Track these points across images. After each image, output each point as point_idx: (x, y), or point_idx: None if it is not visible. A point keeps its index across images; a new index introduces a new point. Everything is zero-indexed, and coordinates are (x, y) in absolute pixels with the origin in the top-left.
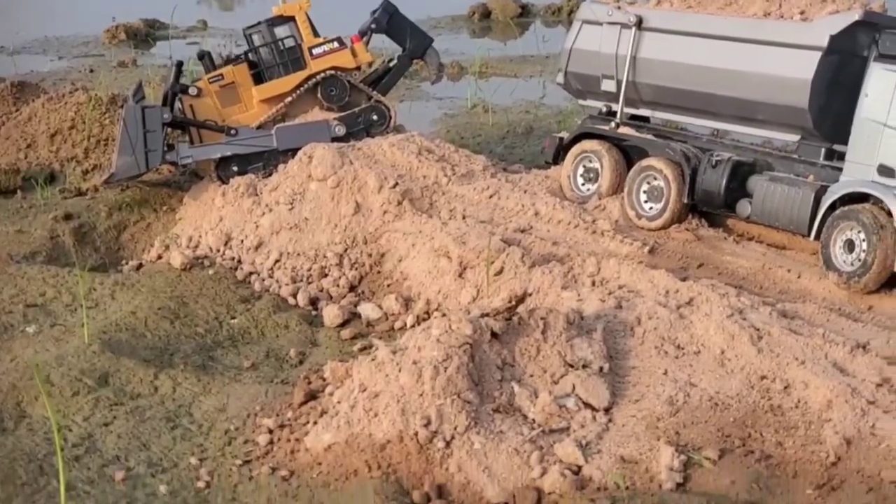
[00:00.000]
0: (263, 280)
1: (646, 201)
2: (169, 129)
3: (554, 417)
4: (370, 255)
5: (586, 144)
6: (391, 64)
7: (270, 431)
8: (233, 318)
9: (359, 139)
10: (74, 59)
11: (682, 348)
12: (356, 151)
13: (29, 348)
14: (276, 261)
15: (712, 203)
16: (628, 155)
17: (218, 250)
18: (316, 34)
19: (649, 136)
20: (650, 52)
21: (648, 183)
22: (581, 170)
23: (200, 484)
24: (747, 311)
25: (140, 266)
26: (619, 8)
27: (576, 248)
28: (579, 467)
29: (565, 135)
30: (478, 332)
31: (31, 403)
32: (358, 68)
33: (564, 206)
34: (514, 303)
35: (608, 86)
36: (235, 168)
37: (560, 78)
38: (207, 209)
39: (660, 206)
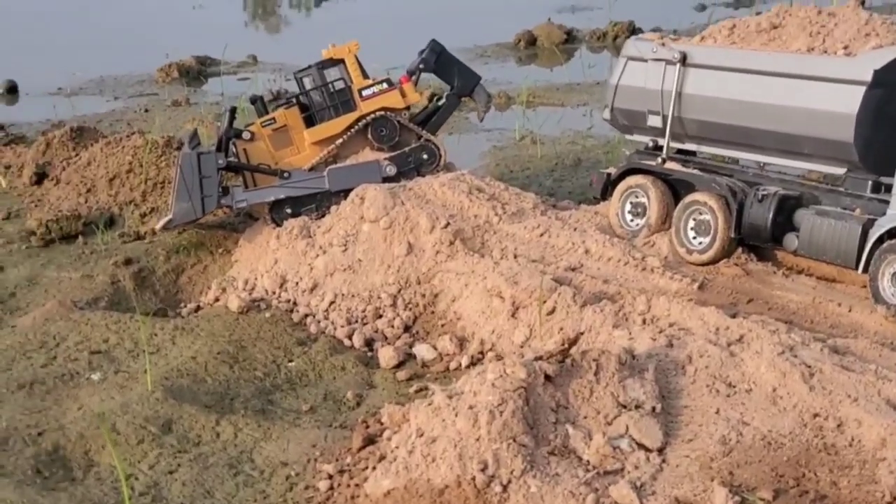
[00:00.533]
0: (319, 322)
1: (694, 237)
2: (224, 173)
3: (608, 459)
4: (424, 296)
5: (633, 179)
6: (440, 103)
7: (330, 477)
8: (290, 360)
9: (410, 179)
10: (130, 98)
11: (734, 386)
12: (407, 192)
13: (95, 396)
14: (331, 302)
15: (759, 237)
16: (675, 189)
17: (273, 293)
18: (365, 76)
19: (695, 171)
20: (695, 87)
21: (695, 218)
22: (629, 205)
23: None
24: (798, 347)
25: (198, 308)
26: (663, 45)
27: (626, 286)
28: None
29: (612, 170)
30: (532, 376)
31: (99, 452)
32: (407, 108)
33: (614, 243)
34: (567, 345)
35: (654, 121)
36: (289, 210)
37: (607, 114)
38: (262, 251)
39: (708, 239)
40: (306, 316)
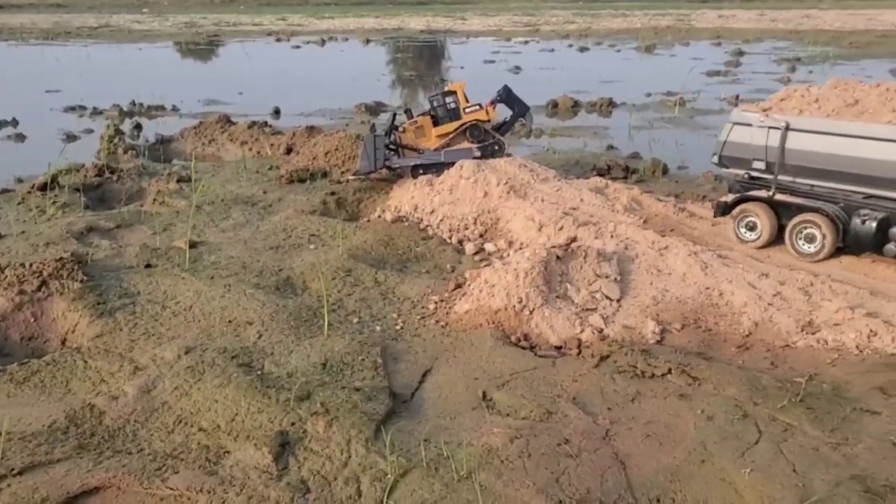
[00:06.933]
0: (434, 229)
1: (803, 244)
2: (388, 150)
3: (589, 302)
4: (491, 219)
5: (746, 205)
6: (506, 120)
7: (436, 303)
8: (417, 247)
9: (487, 159)
10: (339, 119)
11: (661, 271)
12: (486, 164)
13: (311, 255)
14: (441, 219)
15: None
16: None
17: (410, 213)
18: (467, 101)
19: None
20: (800, 144)
21: (806, 229)
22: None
23: (398, 327)
24: (699, 252)
25: (369, 220)
26: (767, 116)
27: (603, 218)
28: (602, 329)
29: (728, 198)
30: (549, 255)
31: (311, 282)
32: (488, 121)
33: (596, 196)
34: (569, 242)
35: (758, 164)
36: (422, 171)
37: (715, 159)
38: (405, 192)
39: (814, 245)
40: (427, 226)
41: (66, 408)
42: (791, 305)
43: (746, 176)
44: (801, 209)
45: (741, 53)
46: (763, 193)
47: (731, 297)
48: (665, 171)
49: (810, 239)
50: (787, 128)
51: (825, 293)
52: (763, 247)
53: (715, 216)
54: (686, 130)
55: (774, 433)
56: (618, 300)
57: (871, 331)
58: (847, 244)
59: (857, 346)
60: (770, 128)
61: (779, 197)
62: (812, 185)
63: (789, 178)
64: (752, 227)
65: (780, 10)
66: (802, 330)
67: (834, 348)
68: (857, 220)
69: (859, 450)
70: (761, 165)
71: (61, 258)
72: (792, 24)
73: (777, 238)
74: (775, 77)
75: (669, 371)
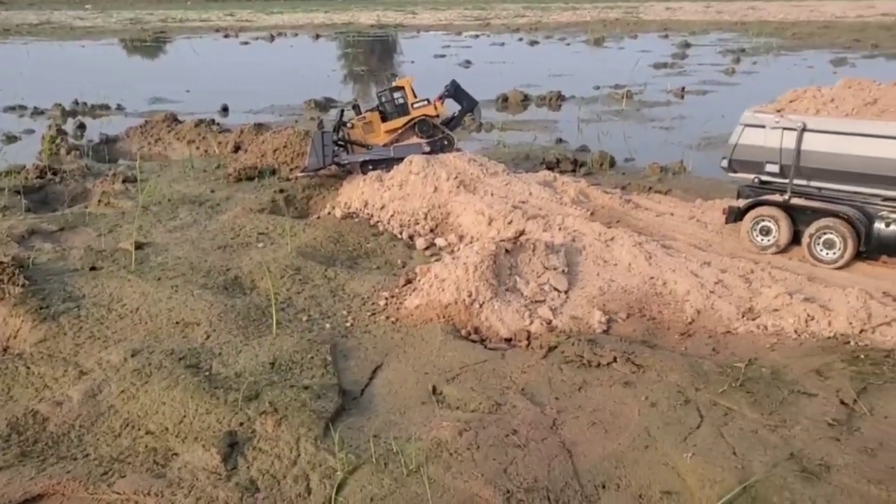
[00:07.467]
0: (384, 225)
1: (823, 250)
2: (336, 146)
3: (537, 294)
4: (441, 214)
5: (760, 209)
6: (455, 114)
7: (386, 299)
8: (367, 243)
9: (437, 154)
10: (288, 116)
11: (608, 262)
12: (436, 160)
13: (259, 253)
14: (392, 215)
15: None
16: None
17: (360, 209)
18: (415, 96)
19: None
20: (819, 146)
21: (825, 235)
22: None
23: (348, 324)
24: (644, 243)
25: (318, 217)
26: (782, 117)
27: (551, 211)
28: (550, 321)
29: (741, 203)
30: (498, 248)
31: (259, 280)
32: (437, 116)
33: (545, 190)
34: (517, 235)
35: (771, 168)
36: (371, 167)
37: (724, 164)
38: (355, 188)
39: (834, 252)
40: (377, 222)
41: (8, 415)
42: (732, 293)
43: (757, 180)
44: (820, 213)
45: (688, 45)
46: (777, 197)
47: (675, 286)
48: (612, 163)
49: (830, 245)
50: (804, 129)
51: (765, 280)
52: (779, 252)
53: (727, 222)
54: (633, 123)
55: (715, 417)
56: (566, 291)
57: (808, 315)
58: (869, 248)
59: (795, 331)
60: (785, 129)
61: (795, 201)
62: (828, 188)
63: (804, 182)
64: (766, 232)
65: (726, 2)
66: (743, 316)
67: (773, 333)
68: (880, 224)
69: (796, 431)
70: (775, 169)
71: (1, 262)
72: (737, 15)
73: (739, 232)
74: (721, 68)
75: (615, 360)
